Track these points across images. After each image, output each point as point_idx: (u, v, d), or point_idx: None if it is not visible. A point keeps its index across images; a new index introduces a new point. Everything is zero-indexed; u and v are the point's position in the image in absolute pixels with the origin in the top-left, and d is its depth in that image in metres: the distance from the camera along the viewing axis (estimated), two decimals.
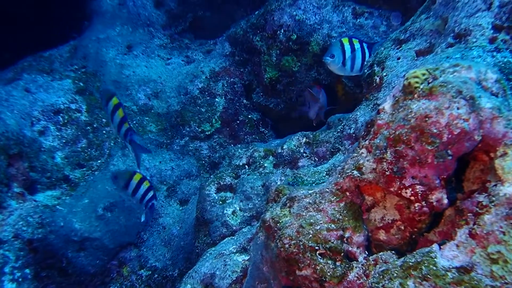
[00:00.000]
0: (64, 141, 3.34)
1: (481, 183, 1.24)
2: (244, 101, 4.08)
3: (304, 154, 2.60)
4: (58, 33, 4.62)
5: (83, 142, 3.42)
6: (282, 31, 3.72)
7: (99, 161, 3.38)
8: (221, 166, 3.24)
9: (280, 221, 1.40)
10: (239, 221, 2.48)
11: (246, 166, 2.73)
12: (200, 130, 3.81)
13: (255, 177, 2.58)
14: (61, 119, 3.42)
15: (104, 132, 3.56)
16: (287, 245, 1.32)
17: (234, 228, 2.44)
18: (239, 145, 3.38)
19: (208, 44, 4.49)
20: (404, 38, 2.41)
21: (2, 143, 2.70)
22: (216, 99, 3.92)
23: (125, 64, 4.07)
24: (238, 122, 3.96)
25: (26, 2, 5.11)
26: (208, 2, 4.63)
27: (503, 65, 1.84)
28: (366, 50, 2.75)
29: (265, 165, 2.66)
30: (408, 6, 3.61)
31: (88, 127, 3.50)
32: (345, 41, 2.77)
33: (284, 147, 2.65)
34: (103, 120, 3.62)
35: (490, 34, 1.91)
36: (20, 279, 2.56)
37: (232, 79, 4.06)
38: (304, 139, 2.61)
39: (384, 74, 2.33)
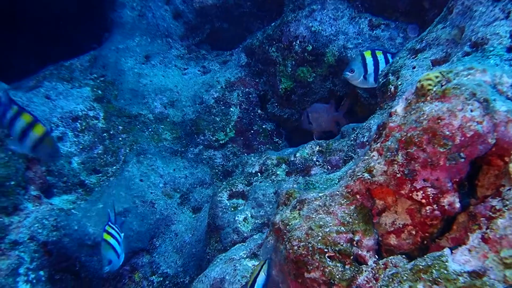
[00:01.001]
0: (81, 147, 3.40)
1: (495, 188, 1.21)
2: (259, 111, 4.09)
3: (317, 163, 2.58)
4: (79, 44, 4.73)
5: (100, 149, 3.47)
6: (298, 42, 3.75)
7: (114, 167, 3.42)
8: (234, 175, 3.25)
9: (290, 223, 1.39)
10: (250, 228, 2.47)
11: (259, 173, 2.73)
12: (214, 139, 3.83)
13: (267, 184, 2.58)
14: (79, 125, 3.48)
15: (120, 139, 3.61)
16: (296, 247, 1.31)
17: (245, 235, 2.43)
18: (253, 154, 3.40)
19: (224, 55, 4.54)
20: (420, 48, 2.40)
21: None
22: (231, 109, 3.95)
23: (142, 73, 4.14)
24: (252, 131, 3.97)
25: (49, 14, 5.26)
26: (226, 14, 4.69)
27: None
28: (390, 60, 2.74)
29: (278, 172, 2.65)
30: (425, 18, 3.59)
31: (105, 134, 3.55)
32: (367, 55, 2.76)
33: (297, 155, 2.64)
34: (120, 127, 3.67)
35: (508, 43, 1.89)
36: (34, 281, 2.58)
37: (247, 89, 4.08)
38: (317, 148, 2.60)
39: (399, 83, 2.32)
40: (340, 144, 2.56)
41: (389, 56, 2.76)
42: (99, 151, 3.46)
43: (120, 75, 4.09)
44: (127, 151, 3.54)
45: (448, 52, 2.25)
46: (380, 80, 2.55)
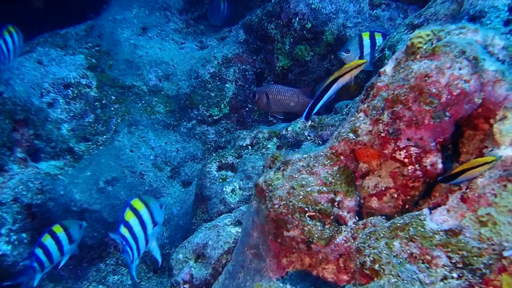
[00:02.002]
0: (71, 114, 3.36)
1: (479, 152, 1.19)
2: (255, 88, 4.05)
3: (309, 137, 2.56)
4: (76, 13, 4.66)
5: (91, 117, 3.43)
6: (297, 19, 3.69)
7: (104, 137, 3.39)
8: (226, 148, 3.22)
9: (273, 183, 1.37)
10: (237, 199, 2.44)
11: (249, 146, 2.70)
12: (208, 114, 3.79)
13: (257, 157, 2.55)
14: (70, 93, 3.43)
15: (112, 109, 3.57)
16: (276, 206, 1.28)
17: (232, 206, 2.41)
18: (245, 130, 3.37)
19: (223, 31, 4.47)
20: (418, 23, 2.36)
21: (8, 108, 2.72)
22: (227, 85, 3.90)
23: (138, 44, 4.08)
24: (247, 109, 3.93)
25: None
26: None
27: None
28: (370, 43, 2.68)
29: (268, 146, 2.62)
30: (426, 0, 3.55)
31: (97, 103, 3.51)
32: (365, 36, 2.70)
33: (288, 129, 2.61)
34: (112, 97, 3.62)
35: (505, 16, 1.85)
36: (16, 242, 2.56)
37: (244, 66, 4.03)
38: (309, 122, 2.57)
39: None
40: (333, 119, 2.53)
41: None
42: (90, 120, 3.42)
43: (115, 45, 4.03)
44: (119, 121, 3.50)
45: None
46: (376, 55, 2.51)
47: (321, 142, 2.52)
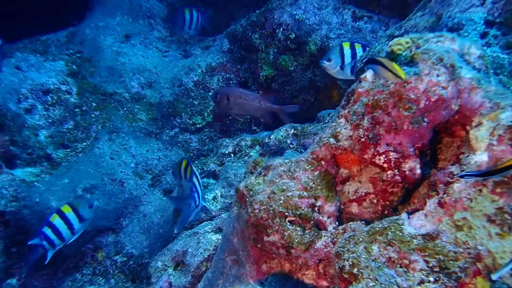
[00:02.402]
0: (50, 120, 3.30)
1: (456, 159, 1.20)
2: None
3: (291, 145, 2.56)
4: (58, 19, 4.61)
5: (70, 124, 3.37)
6: (281, 29, 3.72)
7: (84, 143, 3.33)
8: (208, 156, 3.21)
9: (253, 188, 1.36)
10: (219, 207, 2.43)
11: (232, 154, 2.70)
12: (191, 122, 3.77)
13: (239, 164, 2.54)
14: (49, 99, 3.38)
15: (93, 116, 3.52)
16: (257, 210, 1.27)
17: (214, 213, 2.39)
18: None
19: (207, 40, 4.48)
20: (398, 34, 2.40)
21: None
22: (210, 93, 3.89)
23: (121, 52, 4.05)
24: (230, 117, 3.92)
25: None
26: None
27: (492, 59, 1.82)
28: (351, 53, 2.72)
29: (251, 154, 2.62)
30: (407, 13, 3.61)
31: (77, 109, 3.46)
32: (346, 46, 2.74)
33: (271, 137, 2.61)
34: (93, 104, 3.58)
35: (482, 29, 1.90)
36: None
37: (228, 75, 4.04)
38: (292, 130, 2.58)
39: None
40: (315, 128, 2.55)
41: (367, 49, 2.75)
42: (69, 126, 3.36)
43: (97, 52, 3.99)
44: (99, 128, 3.45)
45: None
46: (358, 65, 2.54)
47: (303, 150, 2.52)
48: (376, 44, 2.52)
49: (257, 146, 2.66)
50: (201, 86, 3.93)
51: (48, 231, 2.21)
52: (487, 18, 1.91)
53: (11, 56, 3.50)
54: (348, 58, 2.71)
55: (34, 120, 3.21)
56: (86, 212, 2.30)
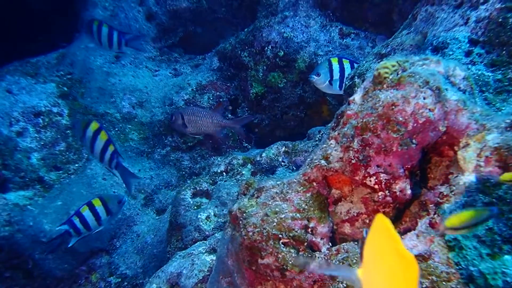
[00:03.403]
0: (42, 143, 3.29)
1: (445, 178, 1.23)
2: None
3: (283, 163, 2.58)
4: (48, 42, 4.62)
5: (62, 145, 3.37)
6: (270, 47, 3.77)
7: (76, 165, 3.33)
8: (200, 175, 3.21)
9: (247, 211, 1.37)
10: (212, 226, 2.43)
11: (224, 173, 2.71)
12: (182, 141, 3.79)
13: (231, 183, 2.56)
14: (41, 121, 3.38)
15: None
16: (251, 233, 1.29)
17: (207, 233, 2.39)
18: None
19: (197, 58, 4.53)
20: (385, 52, 2.45)
21: None
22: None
23: (111, 72, 4.07)
24: (221, 135, 3.94)
25: (17, 11, 5.14)
26: (200, 19, 4.69)
27: (477, 77, 1.87)
28: (339, 68, 2.77)
29: (243, 172, 2.63)
30: (393, 30, 3.68)
31: (68, 131, 3.46)
32: (334, 61, 2.79)
33: (263, 155, 2.63)
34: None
35: (466, 48, 1.95)
36: None
37: (218, 93, 4.07)
38: (283, 148, 2.60)
39: None
40: (306, 145, 2.57)
41: (355, 65, 2.80)
42: (61, 148, 3.36)
43: (88, 73, 4.01)
44: None
45: None
46: (347, 83, 2.58)
47: (294, 168, 2.55)
48: (364, 62, 2.57)
49: (249, 164, 2.68)
50: (192, 105, 3.95)
51: (76, 220, 2.37)
52: (471, 37, 1.96)
53: (2, 80, 3.51)
54: (336, 73, 2.77)
55: (26, 143, 3.21)
56: (114, 207, 2.48)
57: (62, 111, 3.54)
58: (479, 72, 1.89)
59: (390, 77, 1.23)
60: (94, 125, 2.40)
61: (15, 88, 3.50)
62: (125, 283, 2.97)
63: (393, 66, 1.25)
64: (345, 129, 1.25)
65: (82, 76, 4.01)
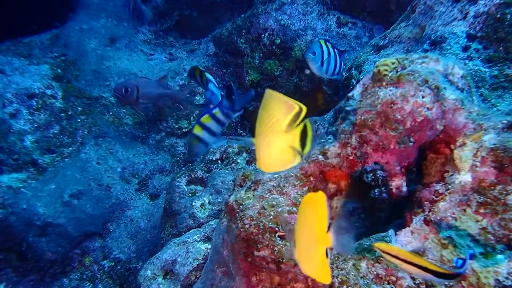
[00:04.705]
0: (36, 125, 3.27)
1: (440, 175, 1.25)
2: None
3: None
4: (40, 21, 4.54)
5: (56, 128, 3.35)
6: (267, 34, 3.75)
7: (70, 148, 3.31)
8: (196, 163, 3.22)
9: (243, 203, 1.39)
10: (207, 214, 2.45)
11: (219, 161, 2.71)
12: (177, 126, 3.78)
13: (226, 172, 2.57)
14: (34, 103, 3.35)
15: (79, 120, 3.49)
16: (247, 226, 1.30)
17: (202, 220, 2.41)
18: None
19: (192, 43, 4.48)
20: (383, 44, 2.46)
21: None
22: (196, 97, 3.90)
23: (106, 55, 4.03)
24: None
25: None
26: (196, 2, 4.63)
27: (473, 73, 1.88)
28: (337, 56, 2.76)
29: (238, 161, 2.64)
30: (390, 20, 3.68)
31: (62, 114, 3.43)
32: (322, 42, 2.78)
33: None
34: (79, 108, 3.55)
35: (464, 43, 1.96)
36: None
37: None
38: None
39: (361, 77, 2.36)
40: None
41: (336, 51, 2.79)
42: (55, 131, 3.33)
43: (82, 56, 3.96)
44: (85, 133, 3.43)
45: (409, 49, 2.31)
46: (344, 74, 2.59)
47: None
48: (361, 53, 2.58)
49: (244, 153, 2.68)
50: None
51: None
52: (469, 32, 1.97)
53: None
54: (326, 54, 2.75)
55: (20, 125, 3.18)
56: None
57: (56, 94, 3.50)
58: (476, 68, 1.91)
59: (390, 74, 1.24)
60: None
61: (8, 69, 3.45)
62: (119, 267, 2.99)
63: (393, 63, 1.25)
64: (344, 125, 1.26)
65: (76, 58, 3.96)
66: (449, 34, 2.00)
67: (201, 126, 2.20)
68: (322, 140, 1.35)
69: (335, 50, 2.68)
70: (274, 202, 1.32)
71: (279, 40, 3.70)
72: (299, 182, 1.35)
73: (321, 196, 0.79)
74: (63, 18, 4.63)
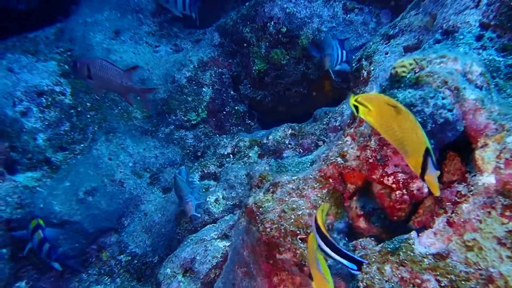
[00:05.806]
0: (46, 123, 3.28)
1: (460, 174, 1.26)
2: (232, 92, 4.05)
3: (289, 146, 2.60)
4: (43, 15, 4.52)
5: (66, 125, 3.37)
6: (272, 23, 3.71)
7: (82, 145, 3.33)
8: (206, 156, 3.23)
9: (263, 206, 1.40)
10: (221, 209, 2.47)
11: (231, 155, 2.73)
12: (186, 119, 3.78)
13: (239, 166, 2.58)
14: (44, 101, 3.36)
15: (88, 116, 3.51)
16: (268, 229, 1.32)
17: (216, 216, 2.44)
18: (225, 136, 3.38)
19: (197, 33, 4.45)
20: (393, 34, 2.43)
21: None
22: (203, 89, 3.89)
23: (112, 49, 4.01)
24: (224, 112, 3.94)
25: None
26: None
27: (488, 62, 1.86)
28: (338, 46, 2.75)
29: (250, 154, 2.65)
30: (399, 3, 3.64)
31: (72, 110, 3.45)
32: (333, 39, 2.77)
33: (269, 138, 2.65)
34: (88, 104, 3.56)
35: (477, 32, 1.93)
36: None
37: (220, 70, 4.03)
38: (290, 131, 2.61)
39: (372, 68, 2.34)
40: (313, 128, 2.58)
41: (336, 41, 2.78)
42: (66, 128, 3.35)
43: (88, 50, 3.95)
44: (96, 128, 3.44)
45: (420, 38, 2.29)
46: (353, 64, 2.57)
47: (301, 151, 2.57)
48: (371, 43, 2.55)
49: (256, 146, 2.69)
50: (194, 82, 3.92)
51: None
52: (482, 21, 1.94)
53: (2, 58, 3.45)
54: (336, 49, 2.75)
55: (31, 124, 3.20)
56: None
57: (65, 90, 3.51)
58: (490, 57, 1.88)
59: (408, 75, 1.23)
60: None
61: (16, 67, 3.45)
62: (135, 261, 3.05)
63: (410, 64, 1.25)
64: (362, 128, 1.26)
65: (82, 53, 3.95)
66: (461, 23, 1.97)
67: None
68: (340, 142, 1.35)
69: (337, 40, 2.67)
70: (294, 205, 1.33)
71: (285, 29, 3.66)
72: (318, 184, 1.36)
73: None
74: (66, 10, 4.61)
